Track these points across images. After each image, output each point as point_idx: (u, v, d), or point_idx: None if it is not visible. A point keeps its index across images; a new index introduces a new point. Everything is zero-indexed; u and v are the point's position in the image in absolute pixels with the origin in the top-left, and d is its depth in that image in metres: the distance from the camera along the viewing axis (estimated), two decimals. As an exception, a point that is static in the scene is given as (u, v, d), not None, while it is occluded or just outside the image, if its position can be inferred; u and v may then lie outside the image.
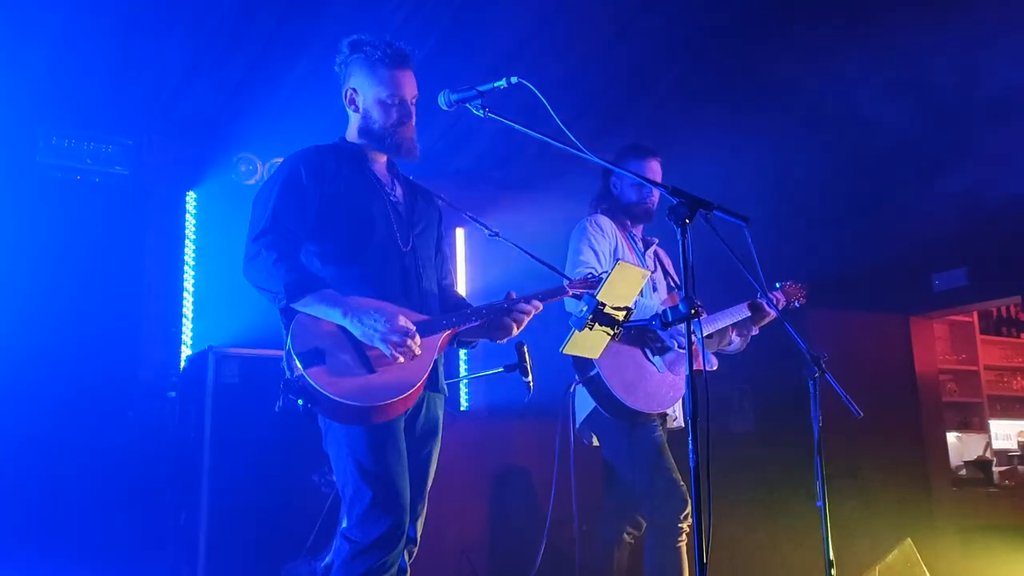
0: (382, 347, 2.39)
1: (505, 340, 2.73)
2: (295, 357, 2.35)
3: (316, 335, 2.40)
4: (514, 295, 2.69)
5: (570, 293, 2.75)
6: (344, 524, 2.50)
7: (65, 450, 4.31)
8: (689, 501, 3.36)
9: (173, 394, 4.66)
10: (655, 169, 3.66)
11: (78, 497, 4.29)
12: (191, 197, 5.01)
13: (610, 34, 4.61)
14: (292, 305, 2.43)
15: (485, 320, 2.65)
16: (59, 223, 4.51)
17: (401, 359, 2.41)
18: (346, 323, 2.41)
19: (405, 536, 2.49)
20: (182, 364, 4.76)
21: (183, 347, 4.83)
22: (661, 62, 4.87)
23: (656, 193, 3.70)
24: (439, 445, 2.74)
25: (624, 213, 3.70)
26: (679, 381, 3.49)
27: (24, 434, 4.21)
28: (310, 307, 2.43)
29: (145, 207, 4.84)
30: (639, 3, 4.58)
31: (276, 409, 2.38)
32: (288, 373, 2.39)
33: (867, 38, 4.62)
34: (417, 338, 2.45)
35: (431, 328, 2.55)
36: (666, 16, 4.61)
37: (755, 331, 3.75)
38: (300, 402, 2.34)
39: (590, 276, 2.80)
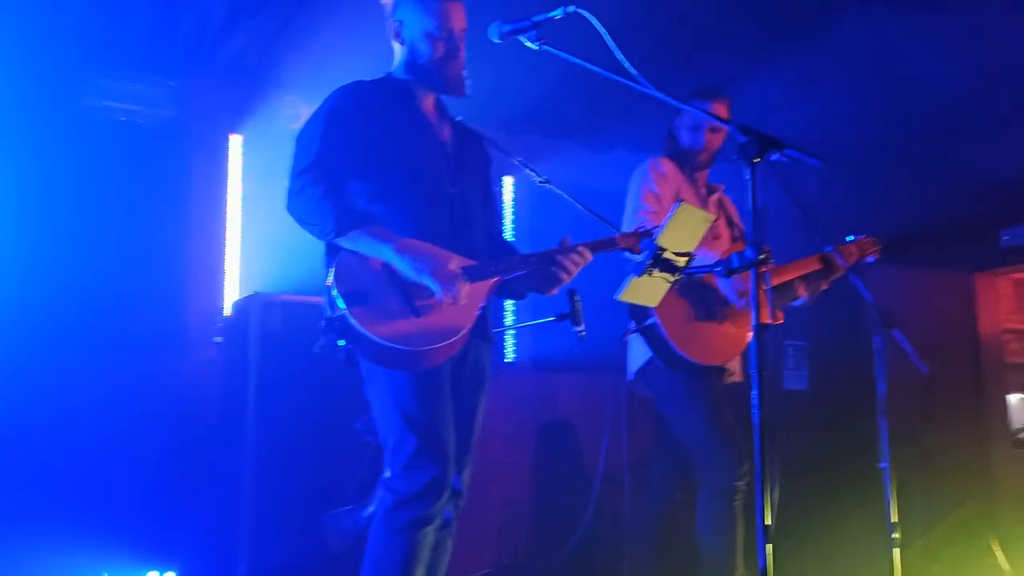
0: (431, 285, 2.29)
1: (554, 291, 2.61)
2: (338, 295, 2.26)
3: (361, 274, 2.32)
4: (568, 240, 2.57)
5: (621, 245, 2.62)
6: (387, 473, 2.43)
7: (110, 397, 4.30)
8: (746, 459, 3.24)
9: (219, 339, 4.63)
10: (720, 112, 3.50)
11: (124, 444, 4.28)
12: (236, 141, 4.93)
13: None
14: (339, 240, 2.34)
15: (535, 268, 2.54)
16: (103, 165, 4.45)
17: (449, 302, 2.31)
18: (396, 259, 2.31)
19: (450, 487, 2.41)
20: (227, 310, 4.72)
21: (228, 293, 4.78)
22: (726, 6, 4.65)
23: (716, 139, 3.56)
24: (486, 395, 2.65)
25: (684, 157, 3.56)
26: (740, 334, 3.36)
27: (67, 381, 4.19)
28: (359, 241, 2.34)
29: (190, 150, 4.76)
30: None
31: (316, 350, 2.31)
32: (329, 311, 2.31)
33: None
34: (466, 284, 2.35)
35: (479, 274, 2.45)
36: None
37: (824, 286, 3.59)
38: (341, 343, 2.26)
39: (641, 228, 2.67)
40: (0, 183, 4.26)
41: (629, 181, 3.50)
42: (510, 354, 5.59)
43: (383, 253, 2.33)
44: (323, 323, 2.30)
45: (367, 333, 2.25)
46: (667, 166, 3.49)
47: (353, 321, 2.25)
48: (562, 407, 5.40)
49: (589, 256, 2.59)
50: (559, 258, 2.52)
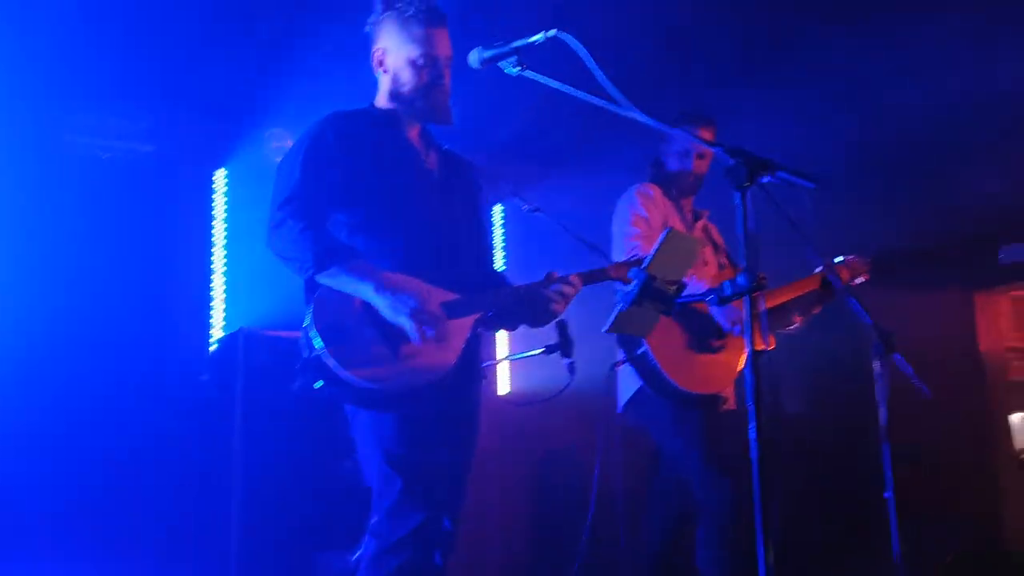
0: (408, 326, 2.21)
1: (545, 324, 2.54)
2: (315, 335, 2.18)
3: (339, 311, 2.24)
4: (555, 274, 2.49)
5: (613, 275, 2.55)
6: (373, 518, 2.33)
7: (94, 436, 4.21)
8: (742, 491, 3.16)
9: (205, 377, 4.55)
10: (707, 137, 3.46)
11: (107, 484, 4.19)
12: (221, 174, 4.87)
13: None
14: (318, 276, 2.26)
15: (522, 300, 2.46)
16: (85, 202, 4.38)
17: (428, 342, 2.23)
18: (376, 298, 2.23)
19: (439, 532, 2.31)
20: (213, 346, 4.64)
21: (214, 329, 4.70)
22: (713, 25, 4.62)
23: (703, 164, 3.53)
24: (478, 432, 2.56)
25: (670, 182, 3.52)
26: (733, 361, 3.28)
27: (50, 420, 4.11)
28: (338, 278, 2.26)
29: (174, 185, 4.69)
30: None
31: (293, 389, 2.22)
32: (306, 352, 2.23)
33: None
34: (447, 322, 2.27)
35: (462, 309, 2.36)
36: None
37: (816, 310, 3.52)
38: (319, 384, 2.17)
39: (633, 256, 2.60)
40: (-20, 222, 4.20)
41: (615, 208, 3.45)
42: (504, 386, 5.50)
43: (362, 292, 2.26)
44: (299, 364, 2.22)
45: (345, 374, 2.17)
46: (654, 191, 3.45)
47: (330, 362, 2.17)
48: (556, 438, 5.30)
49: (579, 286, 2.52)
50: (546, 291, 2.45)
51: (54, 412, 4.13)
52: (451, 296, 2.37)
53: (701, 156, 3.50)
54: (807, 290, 3.50)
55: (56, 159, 4.40)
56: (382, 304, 2.23)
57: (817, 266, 3.46)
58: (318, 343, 2.18)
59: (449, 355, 2.32)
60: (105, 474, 4.18)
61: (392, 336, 2.25)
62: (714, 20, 4.52)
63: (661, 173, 3.56)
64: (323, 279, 2.27)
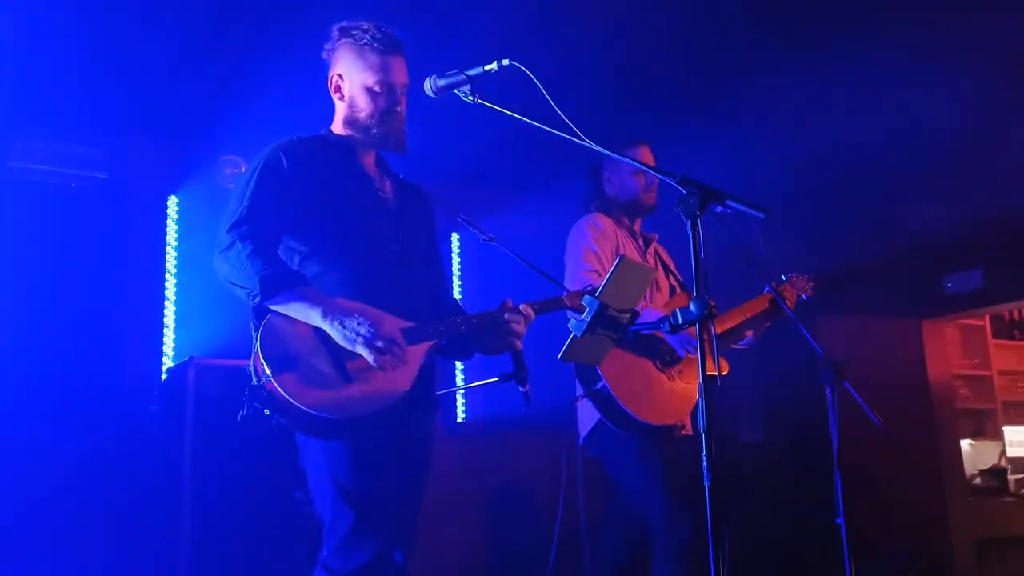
0: (364, 352, 2.18)
1: (500, 353, 2.53)
2: (263, 362, 2.14)
3: (288, 338, 2.19)
4: (510, 303, 2.49)
5: (568, 304, 2.55)
6: (324, 551, 2.28)
7: (41, 466, 4.10)
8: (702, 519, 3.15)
9: (155, 407, 4.45)
10: (647, 156, 3.48)
11: (54, 516, 4.09)
12: (173, 202, 4.80)
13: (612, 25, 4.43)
14: (266, 303, 2.21)
15: (477, 329, 2.45)
16: (34, 229, 4.30)
17: (384, 368, 2.20)
18: (325, 325, 2.20)
19: (392, 566, 2.26)
20: (163, 376, 4.55)
21: (164, 358, 4.61)
22: (661, 59, 4.68)
23: (650, 185, 3.55)
24: (431, 462, 2.53)
25: (622, 209, 3.53)
26: (690, 390, 3.28)
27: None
28: (286, 306, 2.21)
29: (124, 212, 4.61)
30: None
31: (239, 418, 2.16)
32: (255, 379, 2.18)
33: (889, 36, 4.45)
34: (403, 346, 2.24)
35: (418, 336, 2.34)
36: (667, 8, 4.42)
37: (767, 324, 3.55)
38: (266, 412, 2.13)
39: (590, 287, 2.60)
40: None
41: (567, 240, 3.45)
42: (460, 414, 5.46)
43: (311, 318, 2.22)
44: (247, 391, 2.16)
45: (293, 402, 2.11)
46: (604, 222, 3.44)
47: (279, 389, 2.12)
48: (514, 468, 5.26)
49: (532, 315, 2.52)
50: (502, 319, 2.44)
51: (1, 441, 4.02)
52: (405, 324, 2.35)
53: (648, 179, 3.53)
54: (756, 312, 3.52)
55: (2, 185, 4.31)
56: (333, 330, 2.20)
57: (764, 287, 3.48)
58: (266, 371, 2.13)
59: (402, 382, 2.28)
60: (53, 504, 4.08)
61: (344, 360, 2.21)
62: (658, 55, 4.57)
63: (610, 201, 3.56)
64: (271, 305, 2.23)
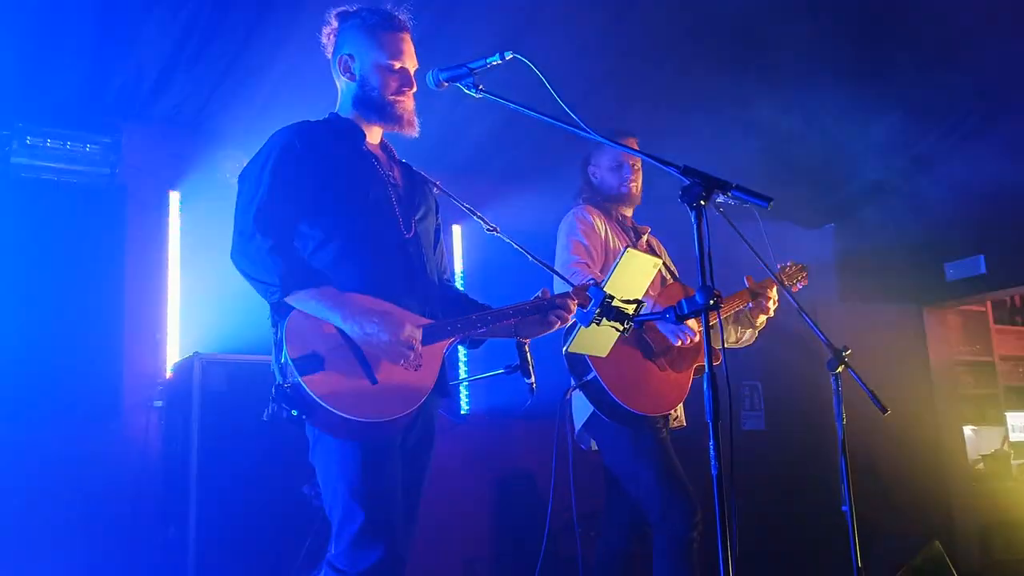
0: (387, 357, 2.18)
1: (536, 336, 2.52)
2: (290, 362, 2.11)
3: (313, 337, 2.17)
4: (548, 293, 2.49)
5: (574, 302, 2.53)
6: (332, 550, 2.25)
7: (47, 463, 4.12)
8: (699, 507, 3.16)
9: (159, 403, 4.45)
10: (632, 146, 3.48)
11: (60, 511, 4.10)
12: (174, 197, 4.80)
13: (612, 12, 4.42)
14: (286, 299, 2.19)
15: (491, 324, 2.43)
16: (36, 227, 4.29)
17: (407, 368, 2.20)
18: (346, 328, 2.18)
19: (399, 565, 2.22)
20: (167, 372, 4.55)
21: (168, 354, 4.61)
22: (661, 48, 4.67)
23: (638, 176, 3.54)
24: (433, 454, 2.52)
25: (608, 201, 3.52)
26: (682, 380, 3.28)
27: (2, 445, 4.01)
28: (306, 303, 2.19)
29: (126, 208, 4.60)
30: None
31: (264, 418, 2.15)
32: (280, 379, 2.15)
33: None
34: (419, 351, 2.23)
35: (439, 334, 2.33)
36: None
37: (759, 321, 3.52)
38: (294, 412, 2.11)
39: (591, 280, 2.59)
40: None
41: (557, 231, 3.44)
42: (465, 406, 5.47)
43: (332, 320, 2.20)
44: (273, 391, 2.13)
45: (324, 403, 2.09)
46: (592, 214, 3.43)
47: (308, 391, 2.09)
48: (518, 458, 5.28)
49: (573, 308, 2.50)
50: (546, 307, 2.45)
51: (5, 439, 4.02)
52: (424, 320, 2.32)
53: (633, 167, 3.51)
54: (740, 306, 3.49)
55: (3, 183, 4.30)
56: (354, 334, 2.18)
57: (766, 276, 3.46)
58: (294, 371, 2.11)
59: (427, 380, 2.27)
60: (60, 500, 4.09)
61: (368, 362, 2.19)
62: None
63: (595, 193, 3.55)
64: (291, 301, 2.21)
